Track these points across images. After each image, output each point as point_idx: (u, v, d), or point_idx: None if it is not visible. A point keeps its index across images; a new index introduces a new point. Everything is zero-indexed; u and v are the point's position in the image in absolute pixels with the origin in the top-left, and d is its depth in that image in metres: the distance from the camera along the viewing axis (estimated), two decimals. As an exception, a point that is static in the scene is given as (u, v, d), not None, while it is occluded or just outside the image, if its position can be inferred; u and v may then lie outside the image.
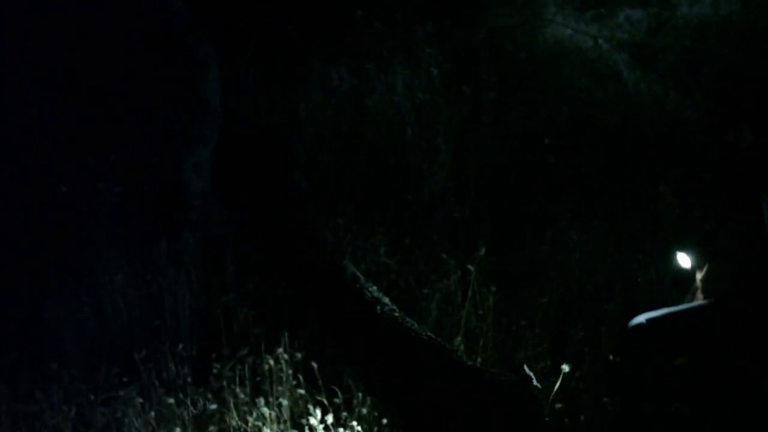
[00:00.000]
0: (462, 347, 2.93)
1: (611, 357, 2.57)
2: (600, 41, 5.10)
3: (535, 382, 2.27)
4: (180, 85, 3.29)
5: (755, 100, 2.16)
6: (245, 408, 2.68)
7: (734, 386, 2.25)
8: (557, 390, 2.46)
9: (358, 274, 2.77)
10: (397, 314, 2.49)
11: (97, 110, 3.48)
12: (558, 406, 2.49)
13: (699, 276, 2.36)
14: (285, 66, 4.41)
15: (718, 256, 2.30)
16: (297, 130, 4.07)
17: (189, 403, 2.70)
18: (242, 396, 2.69)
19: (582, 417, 2.57)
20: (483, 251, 2.47)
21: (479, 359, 2.79)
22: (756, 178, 2.16)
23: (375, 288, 2.62)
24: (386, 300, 2.57)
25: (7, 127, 3.40)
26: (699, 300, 2.31)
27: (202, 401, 2.69)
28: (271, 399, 2.68)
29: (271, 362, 2.72)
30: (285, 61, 4.49)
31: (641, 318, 2.33)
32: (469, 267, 3.04)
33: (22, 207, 3.34)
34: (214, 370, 2.77)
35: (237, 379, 2.74)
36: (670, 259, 2.51)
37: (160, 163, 3.31)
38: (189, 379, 2.79)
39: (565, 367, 2.40)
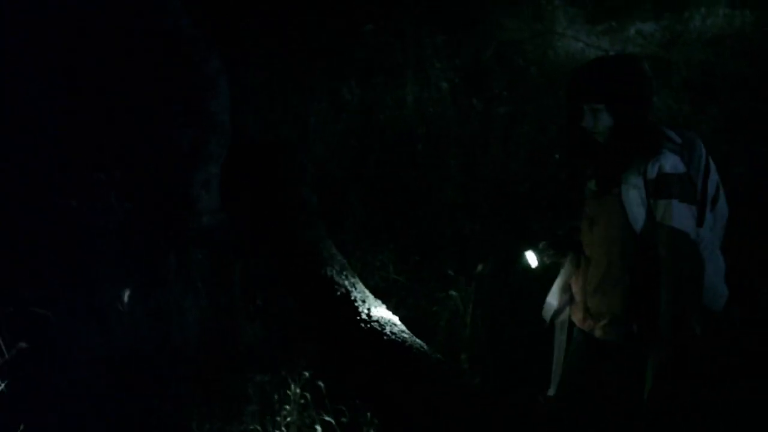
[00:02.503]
0: (467, 365, 2.91)
1: None
2: (612, 54, 5.07)
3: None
4: (189, 101, 3.28)
5: (609, 82, 2.09)
6: (252, 427, 2.65)
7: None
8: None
9: (368, 293, 2.74)
10: (406, 335, 2.45)
11: (106, 125, 3.48)
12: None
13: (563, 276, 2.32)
14: (294, 80, 4.41)
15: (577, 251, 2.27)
16: (306, 145, 4.06)
17: (195, 420, 2.67)
18: (249, 415, 2.67)
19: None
20: (481, 268, 2.43)
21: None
22: (616, 162, 2.11)
23: (384, 307, 2.58)
24: (396, 320, 2.53)
25: (15, 142, 3.40)
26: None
27: (208, 420, 2.66)
28: (278, 418, 2.65)
29: (279, 381, 2.70)
30: (294, 74, 4.49)
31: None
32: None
33: (30, 221, 3.34)
34: (221, 389, 2.75)
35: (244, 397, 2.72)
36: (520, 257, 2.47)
37: (168, 178, 3.30)
38: (196, 396, 2.77)
39: None
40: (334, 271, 2.76)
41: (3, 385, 2.44)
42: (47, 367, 2.82)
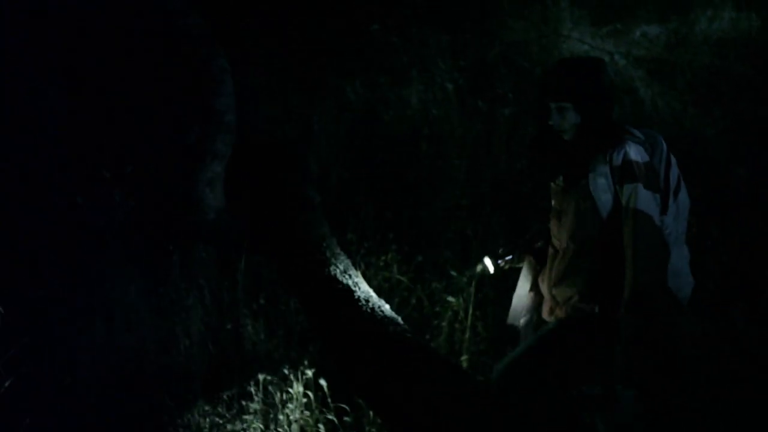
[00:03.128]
0: (467, 365, 2.92)
1: None
2: (616, 57, 5.07)
3: None
4: (194, 99, 3.29)
5: (577, 81, 2.16)
6: (255, 426, 2.66)
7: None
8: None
9: (371, 292, 2.74)
10: (409, 335, 2.46)
11: (112, 123, 3.50)
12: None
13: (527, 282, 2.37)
14: (295, 79, 4.42)
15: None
16: (309, 144, 4.07)
17: (199, 418, 2.68)
18: (252, 413, 2.67)
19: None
20: (480, 268, 2.44)
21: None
22: (583, 157, 2.18)
23: (387, 307, 2.59)
24: (399, 320, 2.53)
25: (22, 140, 3.42)
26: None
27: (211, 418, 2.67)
28: (281, 417, 2.66)
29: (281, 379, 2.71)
30: (295, 74, 4.50)
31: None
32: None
33: (36, 218, 3.36)
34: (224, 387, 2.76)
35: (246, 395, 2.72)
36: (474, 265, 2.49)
37: (173, 177, 3.31)
38: (199, 395, 2.78)
39: None
40: (338, 270, 2.76)
41: (7, 383, 2.46)
42: (50, 365, 2.83)
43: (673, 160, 2.23)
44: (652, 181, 2.11)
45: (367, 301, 2.60)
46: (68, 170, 3.50)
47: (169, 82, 3.31)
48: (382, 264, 3.34)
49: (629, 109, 4.59)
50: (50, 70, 3.46)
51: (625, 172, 2.10)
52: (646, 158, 2.13)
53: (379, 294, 2.81)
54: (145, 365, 2.97)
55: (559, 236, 2.23)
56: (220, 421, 2.71)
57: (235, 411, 2.74)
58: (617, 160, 2.11)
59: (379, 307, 2.57)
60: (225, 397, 2.78)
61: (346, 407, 2.67)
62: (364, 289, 2.70)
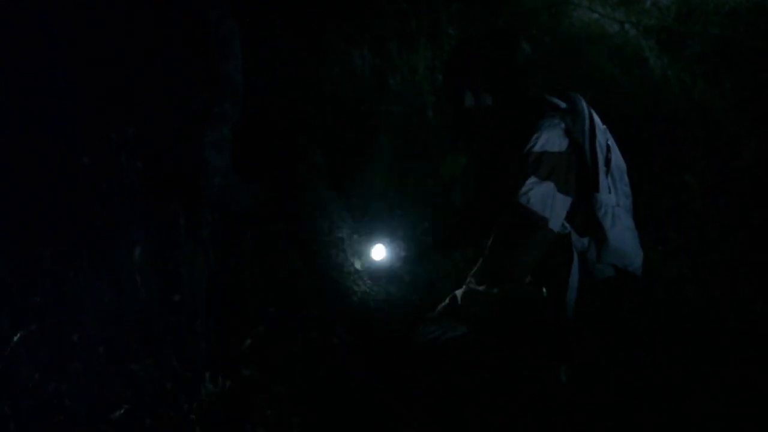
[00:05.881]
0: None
1: None
2: (626, 26, 5.01)
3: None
4: (201, 61, 3.26)
5: (484, 62, 2.07)
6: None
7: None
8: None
9: (374, 258, 2.75)
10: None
11: (117, 83, 3.47)
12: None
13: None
14: (307, 43, 4.37)
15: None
16: (317, 109, 4.04)
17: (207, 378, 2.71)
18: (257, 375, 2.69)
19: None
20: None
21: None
22: (501, 141, 2.11)
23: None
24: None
25: (28, 97, 3.39)
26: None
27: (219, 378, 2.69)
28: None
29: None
30: (307, 38, 4.44)
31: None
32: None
33: (43, 177, 3.35)
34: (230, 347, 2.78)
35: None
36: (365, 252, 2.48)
37: (180, 139, 3.29)
38: (205, 355, 2.80)
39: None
40: (344, 234, 2.77)
41: (15, 338, 2.48)
42: (55, 324, 2.85)
43: (598, 126, 2.11)
44: (551, 171, 2.00)
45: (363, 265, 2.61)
46: (73, 132, 3.48)
47: (177, 42, 3.27)
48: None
49: (637, 80, 4.55)
50: (51, 31, 3.42)
51: (526, 164, 2.01)
52: (560, 147, 2.01)
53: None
54: (152, 327, 2.99)
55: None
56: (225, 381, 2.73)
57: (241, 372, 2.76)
58: (526, 148, 2.02)
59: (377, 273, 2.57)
60: (229, 356, 2.80)
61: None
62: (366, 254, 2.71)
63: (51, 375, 2.37)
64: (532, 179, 1.98)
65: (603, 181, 2.06)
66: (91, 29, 3.32)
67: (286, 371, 2.48)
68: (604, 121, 2.20)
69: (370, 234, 2.73)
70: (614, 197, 2.11)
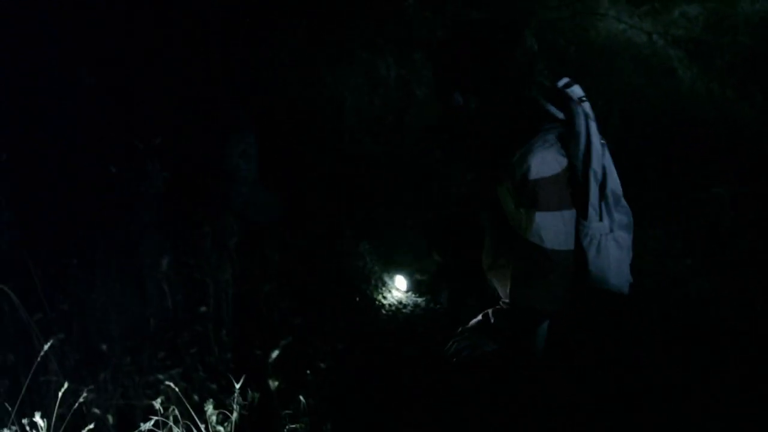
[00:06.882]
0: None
1: None
2: (654, 37, 4.96)
3: None
4: (230, 71, 3.28)
5: (472, 58, 1.82)
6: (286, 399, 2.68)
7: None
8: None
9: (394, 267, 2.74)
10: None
11: (145, 92, 3.50)
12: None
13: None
14: (331, 53, 4.38)
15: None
16: (341, 118, 4.04)
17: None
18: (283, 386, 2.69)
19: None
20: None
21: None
22: (490, 150, 1.93)
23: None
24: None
25: (57, 106, 3.44)
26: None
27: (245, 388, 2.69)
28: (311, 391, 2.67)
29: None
30: (331, 47, 4.46)
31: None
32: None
33: (71, 186, 3.39)
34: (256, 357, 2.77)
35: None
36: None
37: (207, 148, 3.31)
38: (231, 365, 2.80)
39: None
40: (366, 248, 2.77)
41: (46, 347, 2.49)
42: (83, 331, 2.88)
43: (597, 149, 1.91)
44: (553, 200, 1.84)
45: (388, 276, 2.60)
46: (102, 141, 3.51)
47: (206, 54, 3.30)
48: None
49: (666, 91, 4.50)
50: (80, 44, 3.46)
51: (521, 194, 1.84)
52: (550, 171, 1.83)
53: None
54: (177, 335, 3.00)
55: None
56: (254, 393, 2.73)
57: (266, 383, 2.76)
58: (517, 176, 1.82)
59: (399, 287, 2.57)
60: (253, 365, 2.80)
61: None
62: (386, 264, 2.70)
63: (80, 384, 2.38)
64: (535, 214, 1.84)
65: (593, 208, 1.94)
66: (121, 44, 3.36)
67: (315, 383, 2.47)
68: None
69: (394, 247, 2.72)
70: (606, 223, 1.96)
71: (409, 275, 2.47)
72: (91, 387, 2.32)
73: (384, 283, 2.79)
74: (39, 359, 2.12)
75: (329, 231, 3.26)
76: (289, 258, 3.32)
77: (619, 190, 2.03)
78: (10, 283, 2.39)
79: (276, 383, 2.22)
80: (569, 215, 1.91)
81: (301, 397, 2.27)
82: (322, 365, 2.66)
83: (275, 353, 2.50)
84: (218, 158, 3.22)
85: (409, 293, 2.44)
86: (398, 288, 2.38)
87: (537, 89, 1.91)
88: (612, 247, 1.99)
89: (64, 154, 3.36)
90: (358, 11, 4.36)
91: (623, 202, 2.05)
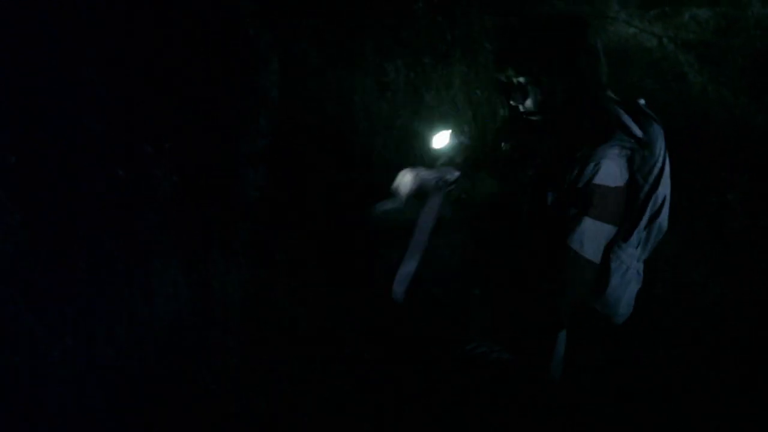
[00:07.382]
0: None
1: None
2: (664, 41, 4.92)
3: None
4: (239, 74, 3.27)
5: (536, 49, 1.78)
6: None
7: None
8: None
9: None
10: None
11: (154, 97, 3.49)
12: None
13: None
14: (341, 57, 4.37)
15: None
16: (350, 123, 4.03)
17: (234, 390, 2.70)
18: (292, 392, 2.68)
19: None
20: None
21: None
22: (551, 154, 1.87)
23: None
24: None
25: (65, 109, 3.43)
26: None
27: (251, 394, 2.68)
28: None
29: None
30: (340, 51, 4.44)
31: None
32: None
33: (78, 189, 3.38)
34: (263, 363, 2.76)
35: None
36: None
37: (215, 152, 3.30)
38: (237, 369, 2.79)
39: None
40: (384, 245, 2.75)
41: (54, 353, 2.49)
42: (89, 334, 2.87)
43: (666, 173, 1.87)
44: (606, 212, 1.79)
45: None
46: (109, 144, 3.51)
47: (214, 56, 3.29)
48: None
49: (676, 96, 4.47)
50: (105, 54, 3.45)
51: (580, 195, 1.79)
52: (618, 181, 1.79)
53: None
54: (183, 339, 2.99)
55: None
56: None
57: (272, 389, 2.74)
58: (585, 173, 1.75)
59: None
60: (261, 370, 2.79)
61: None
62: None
63: (86, 389, 2.37)
64: (585, 219, 1.79)
65: (638, 233, 1.91)
66: (130, 45, 3.35)
67: (327, 390, 2.46)
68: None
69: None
70: (638, 252, 1.94)
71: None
72: (98, 392, 2.30)
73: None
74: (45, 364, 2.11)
75: (338, 233, 3.25)
76: (297, 261, 3.31)
77: (665, 226, 1.98)
78: (15, 286, 2.38)
79: (287, 390, 2.21)
80: (610, 232, 1.87)
81: (304, 398, 2.26)
82: (326, 366, 2.65)
83: (285, 358, 2.49)
84: (225, 160, 3.21)
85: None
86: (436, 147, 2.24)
87: (609, 99, 1.85)
88: (634, 278, 1.96)
89: (66, 155, 3.35)
90: (367, 13, 4.35)
91: (658, 239, 2.00)
